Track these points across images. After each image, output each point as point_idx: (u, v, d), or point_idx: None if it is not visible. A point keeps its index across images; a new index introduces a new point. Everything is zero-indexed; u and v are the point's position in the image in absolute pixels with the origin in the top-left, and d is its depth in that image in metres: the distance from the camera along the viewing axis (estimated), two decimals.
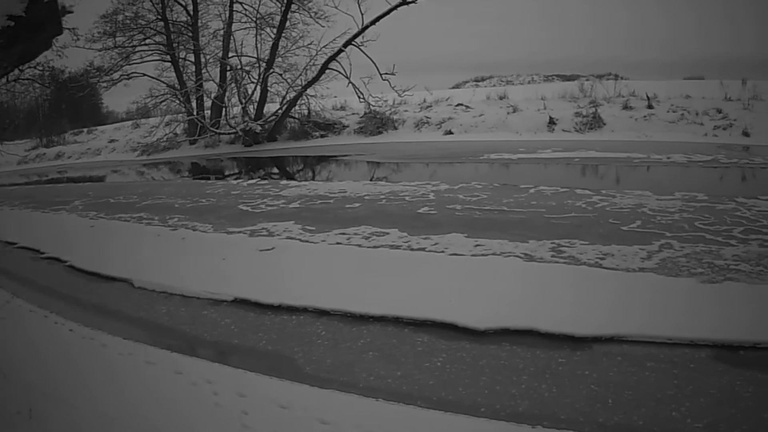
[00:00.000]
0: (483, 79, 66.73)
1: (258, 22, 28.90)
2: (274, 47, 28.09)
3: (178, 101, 29.74)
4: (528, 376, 5.83)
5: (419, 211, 12.40)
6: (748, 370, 5.68)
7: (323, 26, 27.70)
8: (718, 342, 6.16)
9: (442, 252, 9.59)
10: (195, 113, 28.89)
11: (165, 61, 30.28)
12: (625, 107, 25.83)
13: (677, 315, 6.67)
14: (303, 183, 17.34)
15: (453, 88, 51.94)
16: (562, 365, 5.97)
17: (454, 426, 5.07)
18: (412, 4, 26.29)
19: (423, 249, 9.81)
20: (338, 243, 10.49)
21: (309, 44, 28.10)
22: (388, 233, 10.83)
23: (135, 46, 30.02)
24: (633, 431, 4.87)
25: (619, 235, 9.85)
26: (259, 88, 28.87)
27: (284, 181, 17.91)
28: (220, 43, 29.25)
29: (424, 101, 31.31)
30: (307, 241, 10.74)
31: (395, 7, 26.26)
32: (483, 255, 9.28)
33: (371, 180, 17.58)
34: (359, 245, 10.28)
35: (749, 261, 8.29)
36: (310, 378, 6.04)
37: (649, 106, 25.59)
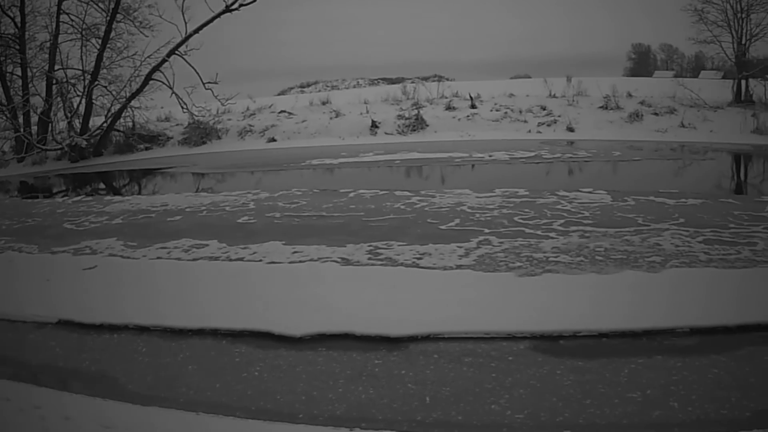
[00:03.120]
0: (308, 85, 67.13)
1: (84, 33, 28.08)
2: (99, 58, 27.32)
3: (4, 117, 28.52)
4: (345, 379, 5.88)
5: (239, 220, 12.35)
6: (569, 358, 5.95)
7: (147, 36, 27.26)
8: (537, 333, 6.44)
9: (260, 261, 9.60)
10: (22, 129, 27.78)
11: None
12: (448, 108, 26.61)
13: (495, 309, 6.93)
14: (126, 198, 16.96)
15: (278, 95, 51.98)
16: (379, 366, 6.06)
17: None
18: (236, 12, 26.26)
19: (241, 259, 9.77)
20: (158, 258, 10.32)
21: (133, 55, 27.54)
22: (207, 245, 10.73)
23: None
24: (452, 427, 4.99)
25: (437, 234, 10.12)
26: (84, 101, 28.09)
27: (108, 197, 17.46)
28: (47, 56, 28.30)
29: (248, 109, 31.28)
30: (128, 257, 10.51)
31: (218, 15, 26.12)
32: (300, 261, 9.34)
33: (193, 192, 17.40)
34: (179, 258, 10.15)
35: (569, 252, 8.71)
36: (133, 396, 5.91)
37: (473, 106, 26.45)
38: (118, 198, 17.01)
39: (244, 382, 6.03)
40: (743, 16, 27.60)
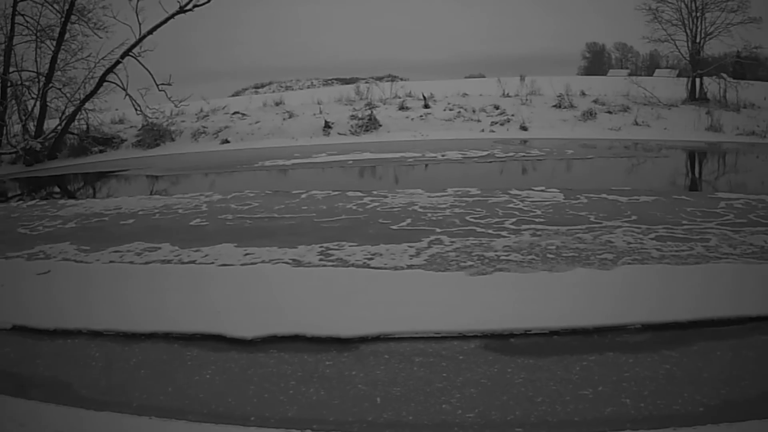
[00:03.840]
0: (262, 86, 66.90)
1: (38, 34, 27.77)
2: (54, 60, 27.02)
3: None
4: (296, 381, 5.86)
5: (191, 223, 12.27)
6: (520, 356, 5.98)
7: (101, 37, 26.99)
8: (488, 332, 6.48)
9: (212, 263, 9.57)
10: None
11: None
12: (402, 108, 26.69)
13: (445, 309, 6.96)
14: (80, 201, 16.78)
15: (232, 96, 51.74)
16: (330, 368, 6.06)
17: None
18: (190, 12, 26.13)
19: (193, 262, 9.72)
20: (111, 261, 10.24)
21: (88, 56, 27.26)
22: (159, 248, 10.64)
23: None
24: (403, 427, 5.00)
25: (389, 234, 10.13)
26: (38, 103, 27.79)
27: (62, 201, 17.28)
28: (2, 58, 27.92)
29: (201, 111, 31.14)
30: (81, 262, 10.42)
31: (172, 16, 25.97)
32: (252, 263, 9.30)
33: (146, 194, 17.28)
34: (131, 262, 10.07)
35: (520, 251, 8.77)
36: (86, 401, 5.86)
37: (426, 106, 26.55)
38: (72, 201, 16.86)
39: (196, 386, 5.99)
40: (698, 14, 28.02)
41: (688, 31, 28.27)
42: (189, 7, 26.14)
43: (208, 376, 6.15)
